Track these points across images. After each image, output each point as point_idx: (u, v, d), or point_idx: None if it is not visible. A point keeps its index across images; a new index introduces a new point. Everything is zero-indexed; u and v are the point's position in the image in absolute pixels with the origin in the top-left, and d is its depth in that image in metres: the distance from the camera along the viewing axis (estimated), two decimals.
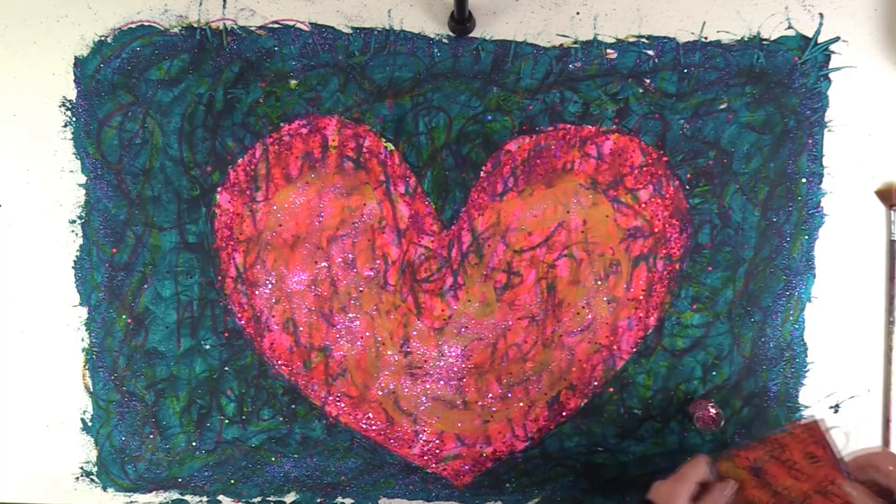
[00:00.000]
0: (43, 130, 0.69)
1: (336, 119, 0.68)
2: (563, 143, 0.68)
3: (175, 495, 0.73)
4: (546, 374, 0.71)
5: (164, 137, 0.69)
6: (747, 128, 0.68)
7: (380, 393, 0.71)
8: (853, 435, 0.71)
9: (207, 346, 0.70)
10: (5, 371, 0.71)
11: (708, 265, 0.69)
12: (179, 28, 0.68)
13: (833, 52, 0.68)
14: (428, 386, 0.71)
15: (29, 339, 0.71)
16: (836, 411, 0.71)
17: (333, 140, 0.69)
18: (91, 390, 0.71)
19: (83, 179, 0.69)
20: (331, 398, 0.71)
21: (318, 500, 0.73)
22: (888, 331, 0.70)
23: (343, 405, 0.71)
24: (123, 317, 0.70)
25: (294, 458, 0.72)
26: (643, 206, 0.69)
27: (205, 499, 0.73)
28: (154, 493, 0.73)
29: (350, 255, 0.70)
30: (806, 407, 0.71)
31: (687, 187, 0.69)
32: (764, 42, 0.67)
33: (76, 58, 0.68)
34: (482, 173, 0.69)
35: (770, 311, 0.70)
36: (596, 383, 0.71)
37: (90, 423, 0.72)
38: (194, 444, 0.72)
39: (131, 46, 0.68)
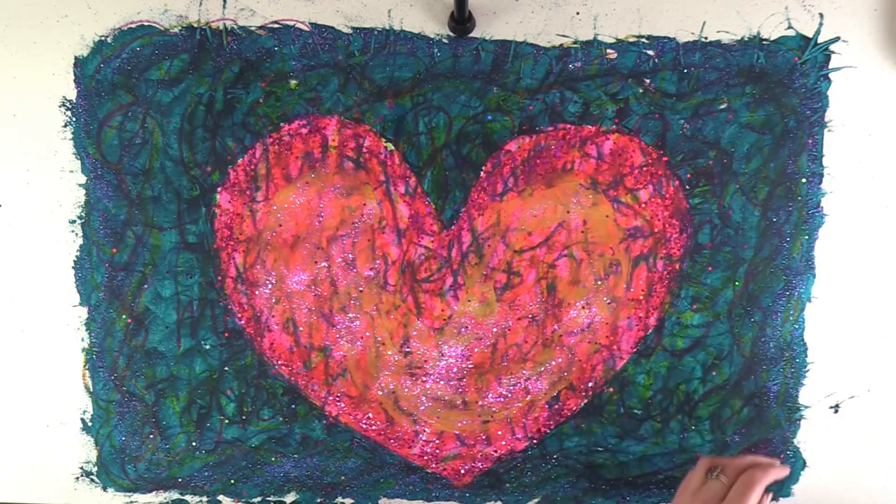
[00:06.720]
0: (43, 130, 0.69)
1: (336, 119, 0.68)
2: (563, 143, 0.68)
3: (175, 495, 0.73)
4: (546, 374, 0.71)
5: (164, 137, 0.69)
6: (747, 128, 0.68)
7: (380, 393, 0.71)
8: (853, 435, 0.71)
9: (207, 346, 0.70)
10: (5, 371, 0.71)
11: (708, 265, 0.69)
12: (179, 28, 0.68)
13: (833, 52, 0.68)
14: (428, 386, 0.71)
15: (29, 339, 0.71)
16: (836, 411, 0.71)
17: (333, 140, 0.69)
18: (91, 390, 0.71)
19: (83, 179, 0.69)
20: (331, 398, 0.71)
21: (318, 500, 0.73)
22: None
23: (343, 405, 0.71)
24: (123, 317, 0.70)
25: (294, 458, 0.72)
26: (643, 206, 0.69)
27: (205, 499, 0.73)
28: (154, 493, 0.73)
29: (350, 255, 0.70)
30: (806, 407, 0.71)
31: (687, 187, 0.69)
32: (764, 42, 0.67)
33: (76, 58, 0.68)
34: (482, 173, 0.69)
35: (770, 311, 0.70)
36: (596, 383, 0.71)
37: (90, 423, 0.72)
38: (194, 444, 0.72)
39: (131, 46, 0.68)
